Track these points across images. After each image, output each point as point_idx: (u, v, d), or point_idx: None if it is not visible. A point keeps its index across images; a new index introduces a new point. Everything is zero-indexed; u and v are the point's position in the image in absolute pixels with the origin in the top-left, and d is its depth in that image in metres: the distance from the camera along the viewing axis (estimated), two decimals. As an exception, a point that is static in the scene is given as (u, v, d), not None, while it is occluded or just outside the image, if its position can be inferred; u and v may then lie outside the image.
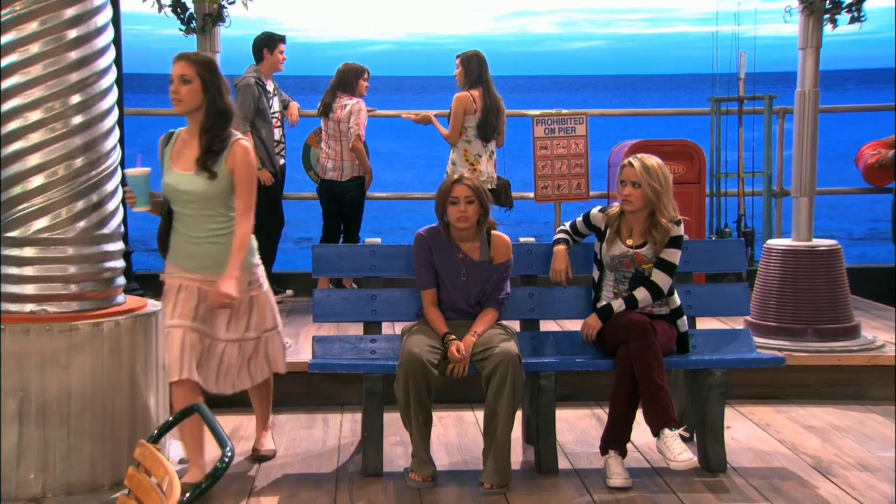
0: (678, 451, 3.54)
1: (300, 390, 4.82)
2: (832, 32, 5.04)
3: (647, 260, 3.89)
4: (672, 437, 3.58)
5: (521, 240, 4.36)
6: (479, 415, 4.64)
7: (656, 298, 3.88)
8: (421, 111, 6.31)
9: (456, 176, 3.91)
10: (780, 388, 4.82)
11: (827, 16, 4.96)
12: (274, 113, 6.38)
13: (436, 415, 4.65)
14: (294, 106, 6.68)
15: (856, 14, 4.93)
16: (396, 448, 4.19)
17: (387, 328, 4.38)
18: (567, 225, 4.13)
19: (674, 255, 3.89)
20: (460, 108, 5.99)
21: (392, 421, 4.43)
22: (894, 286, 6.54)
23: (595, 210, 4.04)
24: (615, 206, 3.98)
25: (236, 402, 4.77)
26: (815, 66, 5.07)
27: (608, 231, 3.94)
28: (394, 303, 4.12)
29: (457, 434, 4.42)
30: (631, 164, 3.86)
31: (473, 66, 6.04)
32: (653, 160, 3.88)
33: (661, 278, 3.87)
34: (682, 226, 3.91)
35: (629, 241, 3.91)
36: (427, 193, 8.65)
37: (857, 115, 7.86)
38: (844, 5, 4.92)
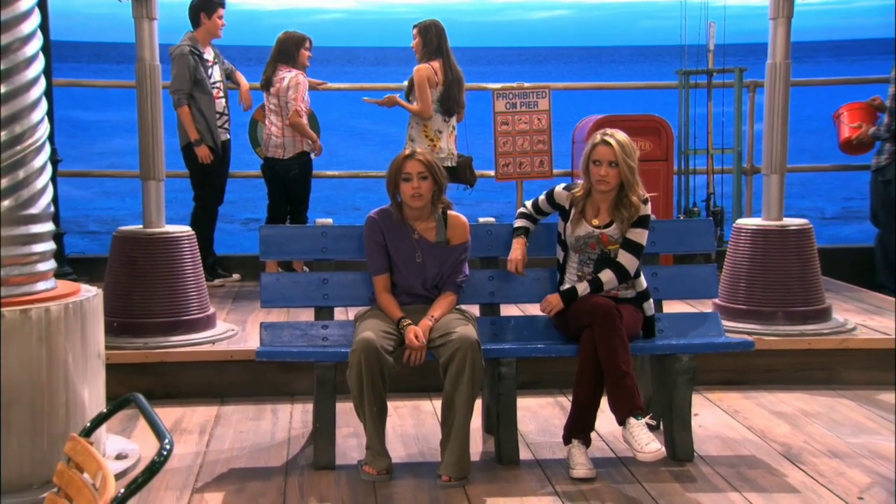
0: (645, 441, 3.58)
1: (247, 380, 4.80)
2: (804, 2, 5.12)
3: (612, 240, 3.92)
4: (638, 426, 3.61)
5: (481, 220, 4.37)
6: (437, 404, 4.66)
7: (622, 280, 3.91)
8: (387, 96, 6.27)
9: (408, 151, 3.90)
10: (749, 374, 4.90)
11: (801, -16, 5.02)
12: (214, 83, 6.31)
13: (391, 404, 4.66)
14: (245, 86, 6.61)
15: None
16: (350, 440, 4.19)
17: (339, 314, 4.37)
18: (528, 204, 4.14)
19: (640, 236, 3.92)
20: (424, 80, 6.00)
21: (345, 411, 4.43)
22: (870, 266, 6.68)
23: (559, 188, 4.05)
24: (580, 186, 4.00)
25: (179, 394, 4.76)
26: (787, 38, 5.12)
27: (573, 211, 3.97)
28: (346, 286, 4.12)
29: (413, 424, 4.44)
30: (606, 143, 3.87)
31: (432, 36, 6.03)
32: (623, 136, 3.91)
33: (627, 259, 3.90)
34: (649, 204, 3.95)
35: (595, 221, 3.93)
36: (383, 171, 8.64)
37: (831, 89, 7.97)
38: (817, -26, 4.98)
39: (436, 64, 6.04)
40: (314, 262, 4.23)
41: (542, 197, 4.09)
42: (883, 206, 6.46)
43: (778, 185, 5.22)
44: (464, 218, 3.96)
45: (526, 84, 6.84)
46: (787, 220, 5.22)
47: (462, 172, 6.19)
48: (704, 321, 4.20)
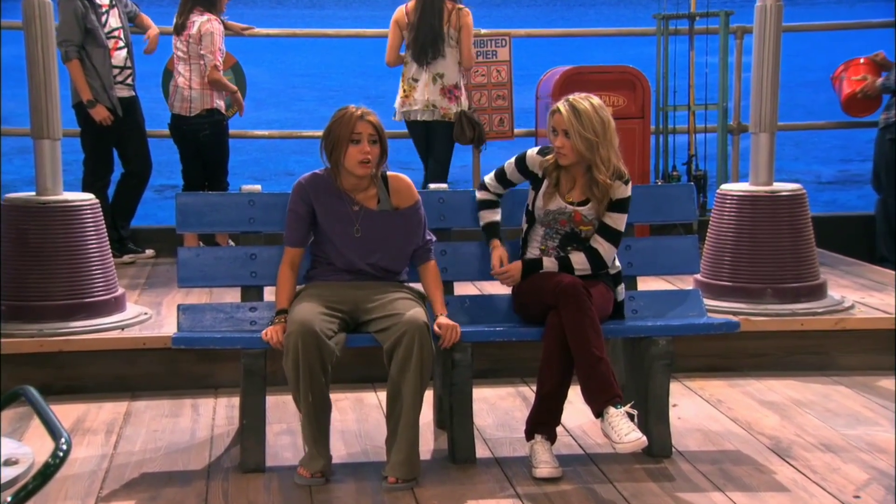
0: (625, 430, 3.62)
1: (162, 370, 4.78)
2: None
3: (586, 221, 3.93)
4: (618, 415, 3.65)
5: (432, 186, 4.38)
6: (383, 395, 4.68)
7: (596, 269, 3.94)
8: None
9: (358, 110, 3.83)
10: (734, 359, 4.98)
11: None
12: (111, 32, 6.21)
13: (332, 396, 4.66)
14: (153, 30, 6.50)
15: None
16: (282, 437, 4.20)
17: (269, 294, 4.35)
18: (491, 179, 4.11)
19: (619, 221, 3.95)
20: (392, 23, 6.18)
21: (276, 405, 4.43)
22: (870, 237, 6.81)
23: (532, 151, 4.03)
24: (551, 156, 4.00)
25: (82, 388, 4.72)
26: (773, -20, 5.18)
27: (545, 181, 3.97)
28: (278, 263, 4.08)
29: (356, 419, 4.45)
30: (559, 111, 3.87)
31: None
32: (586, 103, 3.87)
33: (604, 248, 3.94)
34: (630, 185, 3.97)
35: (570, 197, 3.94)
36: (319, 131, 8.59)
37: (828, 35, 8.07)
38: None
39: (410, 3, 6.12)
40: (240, 235, 4.20)
41: (509, 164, 4.06)
42: (887, 167, 6.57)
43: (768, 145, 5.28)
44: (405, 177, 3.95)
45: (483, 30, 6.83)
46: (777, 185, 5.29)
47: (462, 130, 6.21)
48: (684, 300, 4.25)
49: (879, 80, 6.64)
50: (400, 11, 6.26)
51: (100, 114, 6.14)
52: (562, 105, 3.88)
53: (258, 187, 4.24)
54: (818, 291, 5.26)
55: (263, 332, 3.77)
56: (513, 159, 4.06)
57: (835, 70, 6.95)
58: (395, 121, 6.39)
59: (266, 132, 7.94)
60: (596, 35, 7.55)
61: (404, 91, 6.25)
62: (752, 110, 5.31)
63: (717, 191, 5.46)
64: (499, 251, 4.04)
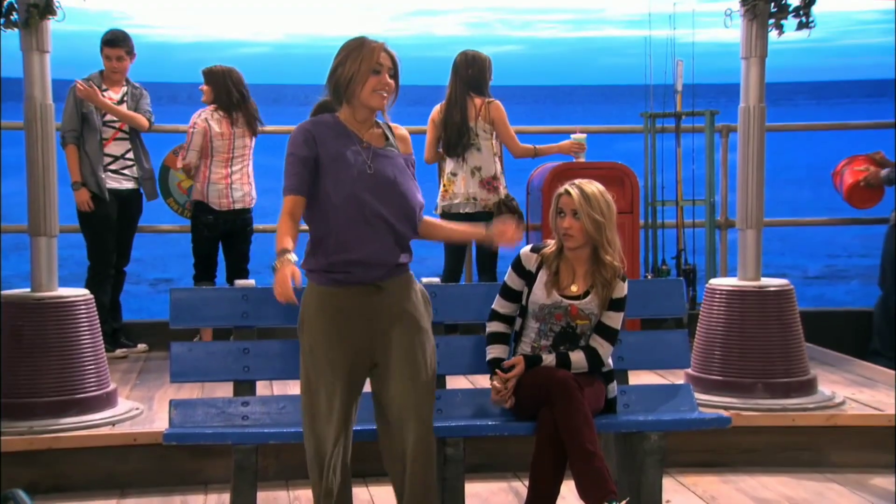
0: None
1: (153, 467, 4.70)
2: (778, 40, 5.27)
3: (582, 315, 3.93)
4: None
5: (425, 280, 4.38)
6: (375, 491, 4.61)
7: (593, 368, 3.94)
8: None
9: (377, 41, 3.53)
10: (727, 454, 4.93)
11: (772, 21, 5.17)
12: (111, 122, 6.29)
13: (321, 493, 4.61)
14: (135, 115, 6.53)
15: (804, 19, 5.15)
16: (273, 535, 4.12)
17: (262, 388, 4.32)
18: (498, 300, 4.04)
19: (616, 320, 3.96)
20: (429, 121, 6.38)
21: (267, 500, 4.36)
22: (859, 332, 6.78)
23: (525, 250, 4.04)
24: (551, 244, 4.02)
25: (70, 486, 4.62)
26: (760, 78, 5.26)
27: (542, 273, 3.96)
28: (271, 358, 4.07)
29: (347, 516, 4.37)
30: (568, 193, 3.92)
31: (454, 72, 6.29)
32: (593, 186, 3.95)
33: (604, 349, 3.94)
34: (626, 283, 3.99)
35: (573, 288, 3.94)
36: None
37: (810, 134, 8.19)
38: (791, 9, 5.14)
39: (439, 105, 6.37)
40: (234, 330, 4.18)
41: (508, 275, 4.03)
42: (893, 264, 6.57)
43: (754, 241, 5.31)
44: (403, 130, 3.73)
45: (475, 127, 6.90)
46: (765, 281, 5.30)
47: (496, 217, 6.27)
48: (675, 394, 4.23)
49: (884, 171, 6.69)
50: (435, 110, 6.41)
51: (81, 196, 6.20)
52: (570, 187, 3.93)
53: (252, 282, 4.24)
54: (808, 387, 5.23)
55: (274, 284, 3.38)
56: (509, 268, 4.05)
57: (835, 166, 7.03)
58: (436, 214, 6.42)
59: (261, 226, 7.95)
60: (585, 132, 7.61)
61: (444, 186, 6.35)
62: (739, 207, 5.35)
63: (707, 285, 5.47)
64: (497, 383, 3.93)
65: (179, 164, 6.36)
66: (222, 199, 6.32)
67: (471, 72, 6.26)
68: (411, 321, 3.56)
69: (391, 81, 3.52)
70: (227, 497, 4.13)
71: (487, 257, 6.38)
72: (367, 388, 4.83)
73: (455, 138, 6.24)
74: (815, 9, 5.14)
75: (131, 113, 6.36)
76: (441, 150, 6.37)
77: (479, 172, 6.26)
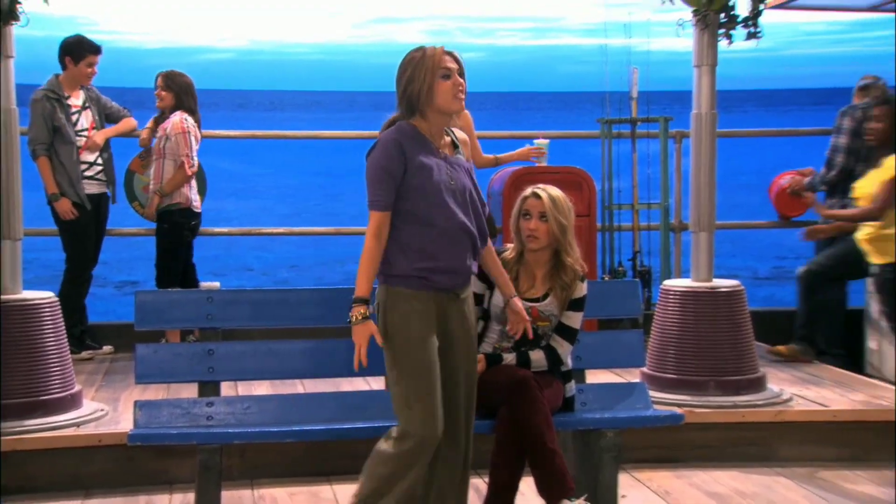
0: None
1: (118, 467, 4.64)
2: (729, 49, 5.32)
3: (543, 316, 3.94)
4: None
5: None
6: (338, 489, 4.60)
7: (553, 367, 3.95)
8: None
9: (438, 46, 3.44)
10: (680, 450, 4.96)
11: (722, 31, 5.22)
12: (81, 130, 6.23)
13: (286, 490, 4.60)
14: (118, 129, 6.50)
15: (752, 29, 5.21)
16: (237, 533, 4.10)
17: (226, 388, 4.29)
18: None
19: (576, 319, 3.98)
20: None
21: (231, 500, 4.33)
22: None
23: None
24: (511, 248, 4.03)
25: (35, 488, 4.56)
26: (711, 86, 5.31)
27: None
28: (235, 359, 4.04)
29: (311, 514, 4.36)
30: (536, 196, 3.93)
31: None
32: (558, 192, 3.97)
33: (563, 347, 3.97)
34: (585, 283, 4.01)
35: (533, 291, 3.95)
36: (279, 228, 8.60)
37: (760, 140, 8.30)
38: (740, 20, 5.20)
39: None
40: (199, 331, 4.15)
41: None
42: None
43: (707, 243, 5.35)
44: (464, 135, 3.66)
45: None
46: (717, 282, 5.35)
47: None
48: (631, 392, 4.25)
49: (807, 179, 6.82)
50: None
51: (62, 206, 6.14)
52: (538, 190, 3.94)
53: (217, 284, 4.21)
54: (758, 384, 5.28)
55: (355, 335, 3.37)
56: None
57: (770, 183, 7.15)
58: None
59: (226, 229, 7.91)
60: (545, 136, 7.63)
61: None
62: (692, 211, 5.40)
63: (661, 287, 5.51)
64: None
65: (190, 172, 6.26)
66: (196, 203, 6.35)
67: None
68: (472, 330, 3.65)
69: (463, 81, 3.45)
70: (191, 497, 4.09)
71: None
72: (342, 386, 4.84)
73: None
74: (762, 20, 5.21)
75: (126, 125, 6.36)
76: None
77: None
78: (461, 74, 3.44)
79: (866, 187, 5.85)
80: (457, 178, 3.48)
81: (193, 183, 6.31)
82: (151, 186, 6.31)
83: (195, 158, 6.24)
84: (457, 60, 3.44)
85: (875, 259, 5.80)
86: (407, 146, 3.42)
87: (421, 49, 3.45)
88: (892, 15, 7.11)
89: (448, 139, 3.56)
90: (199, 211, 6.36)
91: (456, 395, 3.58)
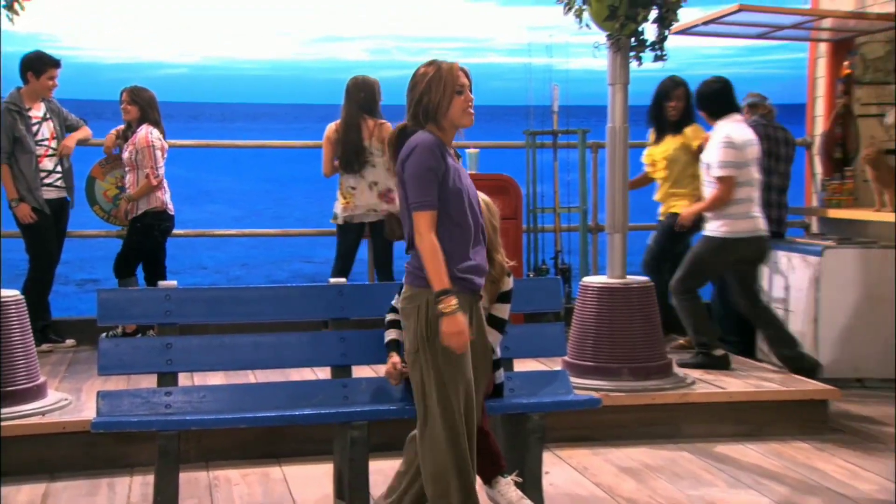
0: (515, 498, 3.63)
1: (80, 453, 4.58)
2: (639, 69, 5.42)
3: None
4: (507, 483, 3.66)
5: (331, 280, 4.38)
6: (288, 470, 4.59)
7: None
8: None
9: (452, 62, 3.34)
10: (598, 430, 5.04)
11: (633, 53, 5.32)
12: (42, 140, 6.15)
13: (239, 472, 4.58)
14: (75, 136, 6.40)
15: (659, 52, 5.32)
16: (194, 512, 4.07)
17: (183, 379, 4.25)
18: (396, 299, 4.04)
19: (505, 311, 3.99)
20: (325, 139, 6.32)
21: (189, 482, 4.29)
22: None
23: None
24: None
25: (1, 472, 4.49)
26: (624, 102, 5.40)
27: None
28: (192, 352, 4.01)
29: (262, 493, 4.34)
30: (484, 203, 3.95)
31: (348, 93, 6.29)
32: (486, 197, 3.98)
33: (492, 336, 3.98)
34: (512, 277, 4.04)
35: None
36: (231, 230, 8.52)
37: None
38: (648, 44, 5.29)
39: (338, 121, 6.31)
40: (158, 326, 4.11)
41: None
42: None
43: (620, 244, 5.44)
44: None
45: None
46: (630, 278, 5.44)
47: (388, 227, 6.28)
48: (554, 379, 4.30)
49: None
50: (330, 128, 6.34)
51: (21, 211, 6.07)
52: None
53: (174, 283, 4.17)
54: (666, 370, 5.38)
55: (449, 326, 3.20)
56: None
57: None
58: (336, 223, 6.41)
59: (182, 231, 7.82)
60: (476, 147, 7.69)
61: (345, 198, 6.29)
62: (607, 215, 5.48)
63: (580, 282, 5.58)
64: (394, 359, 3.91)
65: (154, 182, 6.18)
66: (171, 207, 6.33)
67: (363, 95, 6.26)
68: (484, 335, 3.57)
69: (473, 97, 3.37)
70: (150, 479, 4.03)
71: (383, 257, 6.42)
72: (291, 376, 4.82)
73: (353, 156, 6.23)
74: (667, 44, 5.32)
75: (83, 133, 6.31)
76: (338, 164, 6.32)
77: (376, 186, 6.27)
78: (470, 90, 3.37)
79: (658, 154, 6.26)
80: (467, 185, 3.42)
81: (167, 188, 6.30)
82: (124, 194, 6.29)
83: (160, 170, 6.22)
84: (468, 76, 3.36)
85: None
86: (442, 152, 3.32)
87: (435, 64, 3.34)
88: (777, 42, 7.31)
89: (453, 149, 3.50)
90: (172, 214, 6.34)
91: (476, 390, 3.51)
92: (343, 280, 4.44)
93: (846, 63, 6.98)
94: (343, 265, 6.40)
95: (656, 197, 6.47)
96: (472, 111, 3.34)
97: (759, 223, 5.73)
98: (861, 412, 5.61)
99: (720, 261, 5.82)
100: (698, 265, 5.83)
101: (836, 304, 6.23)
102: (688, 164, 6.21)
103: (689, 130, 6.27)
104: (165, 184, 6.30)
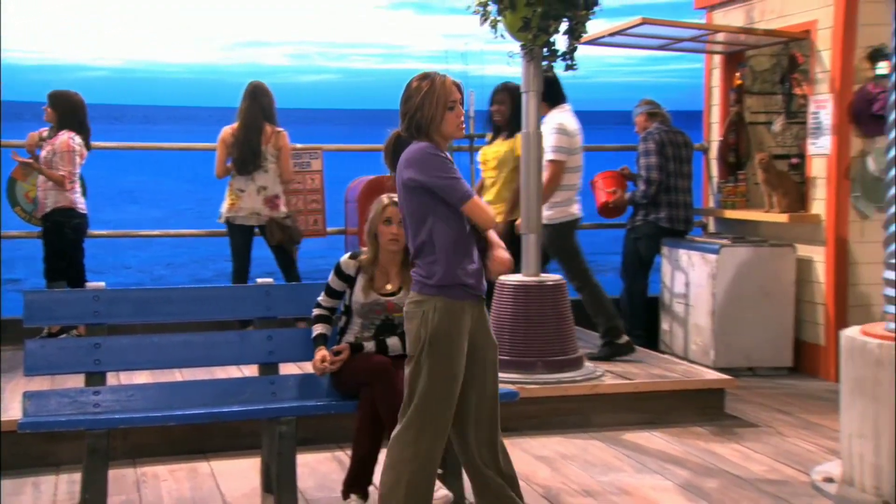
0: (435, 488, 3.61)
1: (5, 452, 4.40)
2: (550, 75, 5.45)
3: (398, 308, 3.95)
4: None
5: (259, 281, 4.31)
6: (215, 465, 4.50)
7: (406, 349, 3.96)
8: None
9: (446, 76, 3.33)
10: (514, 421, 5.07)
11: (545, 62, 5.37)
12: None
13: (167, 468, 4.47)
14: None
15: (570, 62, 5.39)
16: (122, 509, 3.96)
17: (111, 378, 4.13)
18: (322, 298, 4.03)
19: None
20: (219, 141, 6.18)
21: (116, 478, 4.17)
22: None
23: (344, 258, 4.01)
24: (366, 252, 4.01)
25: None
26: (537, 109, 5.43)
27: (360, 278, 3.96)
28: (120, 351, 3.91)
29: (190, 488, 4.25)
30: (396, 204, 3.91)
31: (242, 98, 6.19)
32: None
33: None
34: None
35: (388, 287, 3.94)
36: (155, 231, 8.32)
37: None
38: (560, 54, 5.35)
39: (235, 125, 6.19)
40: (86, 327, 3.99)
41: (331, 278, 4.01)
42: (631, 260, 6.95)
43: (535, 244, 5.47)
44: None
45: (299, 145, 6.84)
46: (543, 276, 5.48)
47: (269, 232, 6.15)
48: (474, 373, 4.30)
49: (627, 195, 7.03)
50: (226, 131, 6.23)
51: None
52: (397, 199, 3.92)
53: (102, 284, 4.05)
54: (577, 363, 5.44)
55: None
56: (331, 272, 4.02)
57: (593, 177, 7.35)
58: (220, 222, 6.33)
59: (106, 231, 7.61)
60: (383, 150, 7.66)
61: (232, 199, 6.21)
62: (522, 215, 5.51)
63: (497, 281, 5.59)
64: (322, 353, 3.92)
65: (69, 187, 5.98)
66: (81, 205, 6.13)
67: (265, 100, 6.20)
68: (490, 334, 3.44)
69: (464, 110, 3.31)
70: (77, 477, 3.93)
71: (282, 260, 6.34)
72: (217, 374, 4.73)
73: (250, 157, 6.14)
74: (577, 53, 5.38)
75: None
76: (231, 165, 6.19)
77: (264, 191, 6.22)
78: (462, 103, 3.30)
79: (491, 153, 6.01)
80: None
81: (78, 188, 6.10)
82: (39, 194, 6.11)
83: (76, 174, 6.04)
84: (460, 90, 3.31)
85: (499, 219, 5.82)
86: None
87: (429, 78, 3.28)
88: (676, 53, 7.48)
89: None
90: (83, 212, 6.14)
91: (486, 399, 3.44)
92: (269, 280, 4.37)
93: (738, 74, 7.18)
94: (238, 264, 6.29)
95: (486, 198, 6.05)
96: (463, 125, 3.29)
97: (580, 209, 5.93)
98: (753, 399, 5.79)
99: (572, 243, 5.93)
100: (567, 254, 5.91)
101: (731, 298, 6.41)
102: (515, 170, 5.78)
103: (521, 137, 5.80)
104: (77, 184, 6.11)
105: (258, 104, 6.17)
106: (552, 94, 5.82)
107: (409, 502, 3.24)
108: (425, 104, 3.25)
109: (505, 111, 5.99)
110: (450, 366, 3.28)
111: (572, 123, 5.83)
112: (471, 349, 3.35)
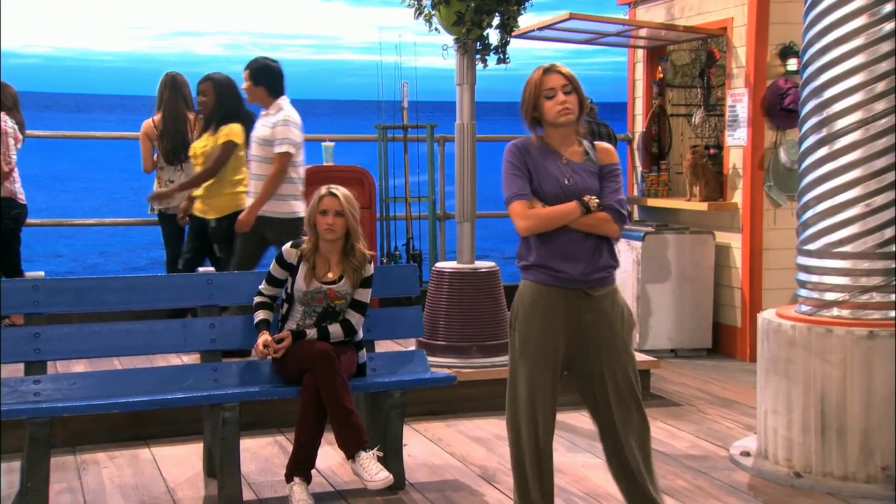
0: (375, 471, 3.64)
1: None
2: (484, 70, 5.49)
3: (339, 295, 3.95)
4: (368, 458, 3.66)
5: (201, 270, 4.25)
6: (156, 451, 4.43)
7: (348, 335, 3.97)
8: None
9: (543, 67, 3.27)
10: (451, 404, 5.11)
11: (478, 55, 5.40)
12: None
13: (107, 454, 4.39)
14: None
15: (502, 55, 5.43)
16: (63, 496, 3.87)
17: (51, 367, 4.03)
18: (264, 285, 4.00)
19: (366, 295, 4.01)
20: (142, 136, 6.01)
21: (56, 466, 4.08)
22: None
23: (286, 247, 3.99)
24: (307, 241, 3.99)
25: None
26: (471, 101, 5.47)
27: (302, 266, 3.94)
28: (60, 340, 3.81)
29: (132, 474, 4.18)
30: (333, 195, 3.90)
31: (160, 90, 5.96)
32: (345, 190, 3.97)
33: (355, 318, 3.99)
34: (372, 264, 4.04)
35: (329, 275, 3.93)
36: (90, 219, 8.12)
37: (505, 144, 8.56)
38: (492, 48, 5.39)
39: (156, 117, 5.99)
40: (25, 316, 3.88)
41: (273, 266, 3.99)
42: None
43: (469, 232, 5.51)
44: (608, 145, 3.40)
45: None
46: (478, 263, 5.51)
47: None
48: (412, 359, 4.33)
49: None
50: (147, 125, 6.04)
51: None
52: (334, 190, 3.93)
53: (41, 274, 3.94)
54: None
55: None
56: (274, 261, 4.00)
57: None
58: (150, 214, 6.21)
59: (38, 220, 7.39)
60: (331, 140, 7.61)
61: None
62: (457, 205, 5.53)
63: (433, 268, 5.62)
64: (265, 337, 3.89)
65: (6, 169, 5.75)
66: (21, 195, 5.90)
67: (186, 90, 6.04)
68: (615, 328, 3.30)
69: (567, 98, 3.21)
70: (15, 465, 3.83)
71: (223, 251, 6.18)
72: (157, 362, 4.64)
73: (180, 146, 5.92)
74: (508, 47, 5.42)
75: None
76: (157, 158, 6.02)
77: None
78: (570, 91, 3.22)
79: (199, 147, 5.59)
80: (576, 180, 3.24)
81: (17, 177, 5.88)
82: None
83: (13, 157, 5.80)
84: (564, 77, 3.24)
85: (212, 216, 5.53)
86: (526, 150, 3.27)
87: (533, 72, 3.30)
88: (601, 47, 7.60)
89: (580, 149, 3.30)
90: (23, 203, 5.93)
91: (604, 388, 3.50)
92: (211, 269, 4.32)
93: (659, 68, 7.32)
94: (170, 252, 6.13)
95: (197, 193, 5.66)
96: (566, 111, 3.22)
97: (302, 206, 5.30)
98: (675, 379, 5.93)
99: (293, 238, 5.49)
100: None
101: (654, 283, 6.54)
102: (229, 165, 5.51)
103: (224, 129, 5.48)
104: (16, 174, 5.90)
105: (180, 94, 6.01)
106: (275, 85, 5.31)
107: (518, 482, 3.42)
108: (525, 97, 3.28)
109: (208, 102, 5.55)
110: (525, 350, 3.40)
111: (297, 117, 5.37)
112: (576, 343, 3.37)
